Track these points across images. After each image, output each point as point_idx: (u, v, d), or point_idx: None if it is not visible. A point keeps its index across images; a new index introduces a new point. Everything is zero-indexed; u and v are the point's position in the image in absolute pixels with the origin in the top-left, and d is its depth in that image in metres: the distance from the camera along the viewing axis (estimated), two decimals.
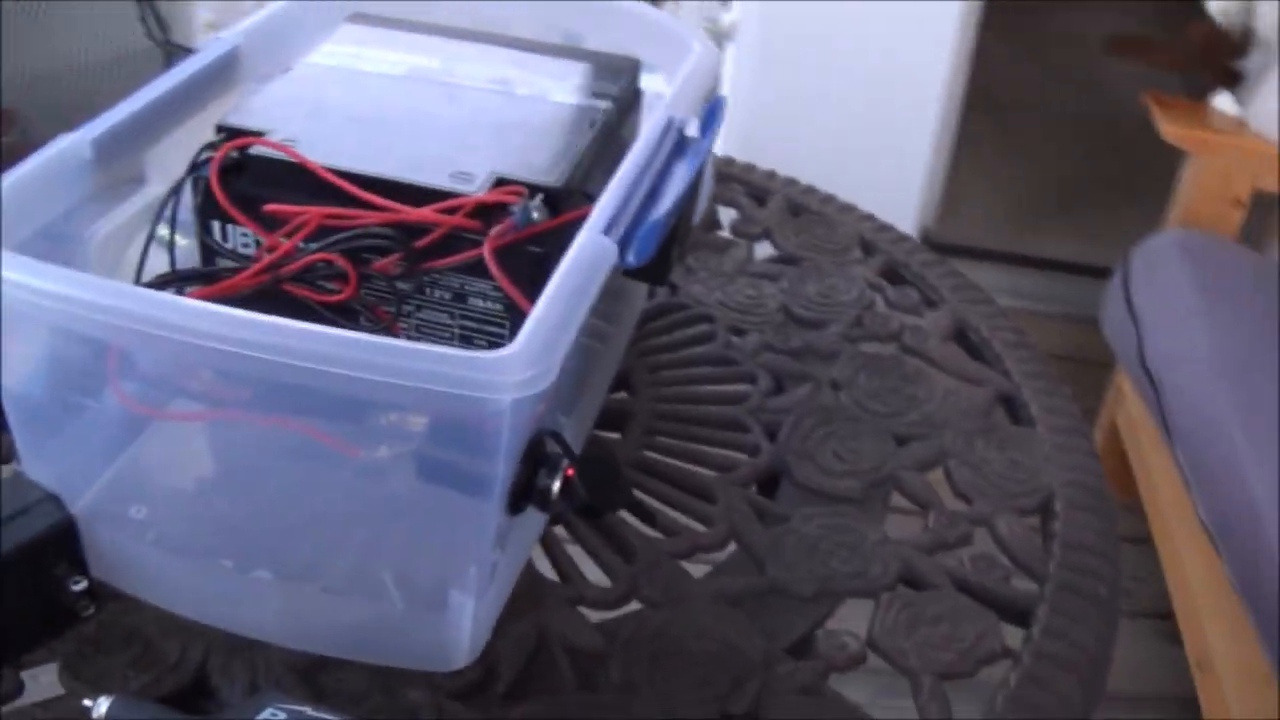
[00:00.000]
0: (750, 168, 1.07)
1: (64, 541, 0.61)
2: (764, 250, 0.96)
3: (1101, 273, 1.63)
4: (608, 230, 0.61)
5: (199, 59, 0.75)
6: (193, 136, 0.73)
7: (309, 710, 0.56)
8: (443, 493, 0.60)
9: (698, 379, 0.84)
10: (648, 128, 0.71)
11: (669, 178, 0.67)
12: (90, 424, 0.64)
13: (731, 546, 0.72)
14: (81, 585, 0.61)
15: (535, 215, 0.66)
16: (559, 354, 0.54)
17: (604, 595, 0.68)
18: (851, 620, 0.71)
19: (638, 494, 0.73)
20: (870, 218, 0.99)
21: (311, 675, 0.62)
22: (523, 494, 0.60)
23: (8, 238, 0.60)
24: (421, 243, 0.66)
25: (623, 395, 0.82)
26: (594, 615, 0.68)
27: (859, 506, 0.75)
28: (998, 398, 0.84)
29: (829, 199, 1.01)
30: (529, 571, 0.68)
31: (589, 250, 0.60)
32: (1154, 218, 1.68)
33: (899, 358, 0.85)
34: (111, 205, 0.70)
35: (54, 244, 0.65)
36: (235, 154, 0.68)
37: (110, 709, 0.56)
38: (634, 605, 0.68)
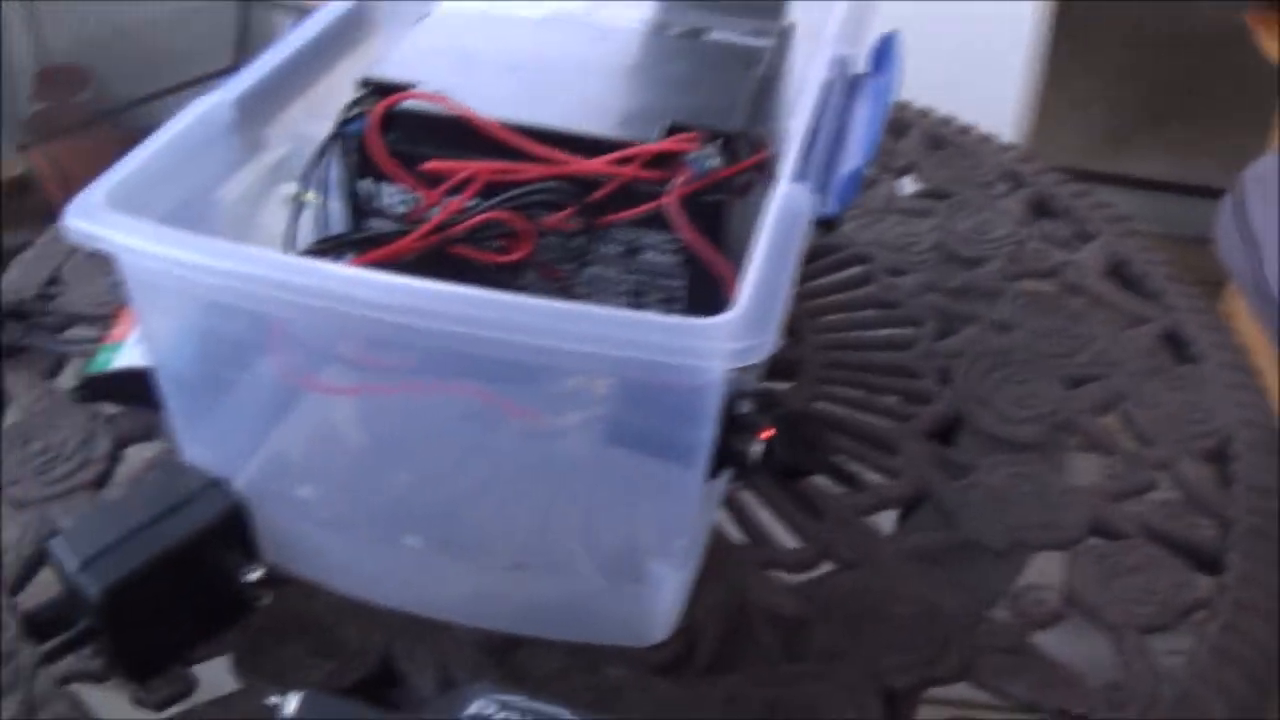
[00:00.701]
0: None
1: (233, 529, 0.57)
2: (905, 184, 0.91)
3: (1199, 191, 1.57)
4: (802, 179, 0.57)
5: (330, 11, 0.71)
6: (323, 94, 0.69)
7: (523, 699, 0.52)
8: (637, 459, 0.56)
9: (861, 323, 0.79)
10: (811, 66, 0.66)
11: (851, 119, 0.62)
12: (245, 399, 0.61)
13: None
14: (257, 574, 0.57)
15: (713, 162, 0.61)
16: (778, 318, 0.50)
17: (797, 557, 0.64)
18: (1037, 572, 0.68)
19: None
20: (1011, 147, 0.93)
21: (504, 656, 0.59)
22: (720, 457, 0.56)
23: (153, 209, 0.56)
24: (595, 196, 0.61)
25: (787, 342, 0.77)
26: (787, 578, 0.64)
27: (1041, 453, 0.71)
28: (1163, 335, 0.79)
29: (966, 129, 0.95)
30: (716, 534, 0.65)
31: (791, 203, 0.55)
32: (1251, 136, 1.61)
33: (1062, 295, 0.80)
34: (236, 167, 0.66)
35: (190, 210, 0.62)
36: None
37: (301, 707, 0.50)
38: (825, 566, 0.65)
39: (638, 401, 0.55)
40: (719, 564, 0.63)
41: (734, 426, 0.56)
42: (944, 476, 0.68)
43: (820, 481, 0.68)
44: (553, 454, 0.58)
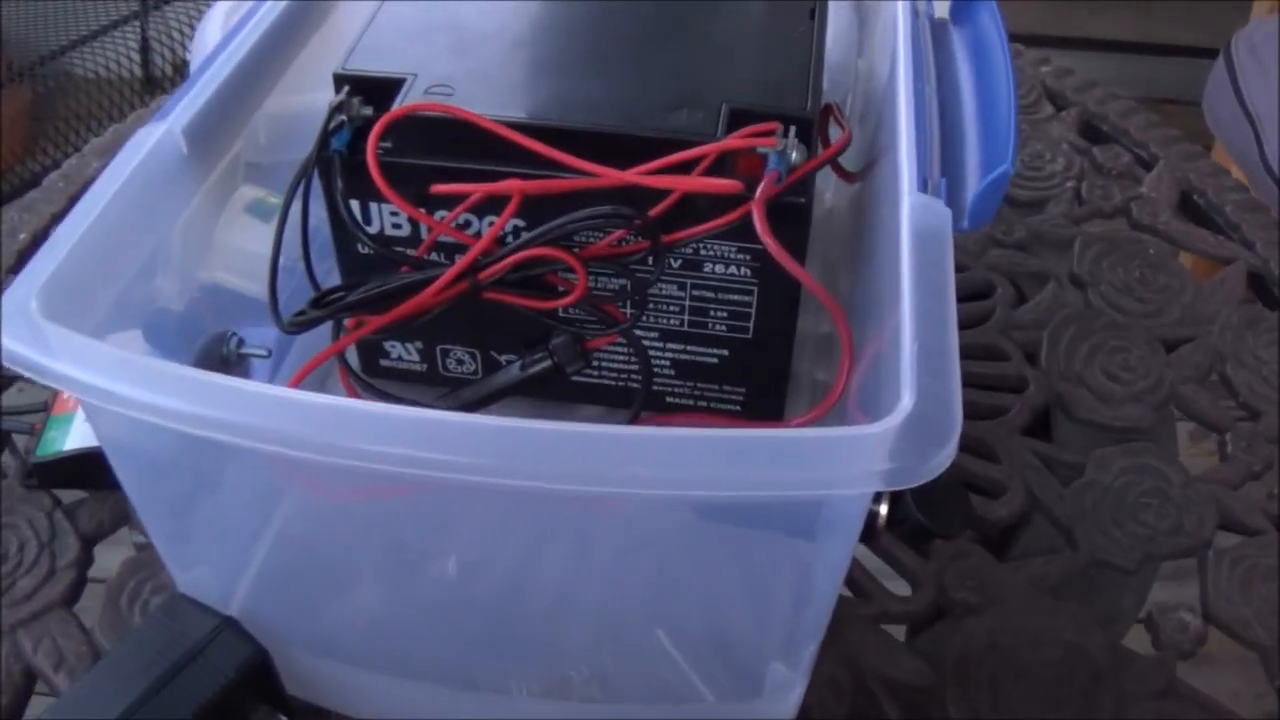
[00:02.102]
0: None
1: (257, 681, 0.44)
2: None
3: (1172, 51, 1.46)
4: (925, 186, 0.44)
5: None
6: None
7: None
8: (745, 534, 0.43)
9: None
10: (891, 21, 0.53)
11: (955, 87, 0.50)
12: (235, 508, 0.47)
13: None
14: None
15: (794, 156, 0.48)
16: (957, 409, 0.37)
17: (910, 608, 0.53)
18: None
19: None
20: (1045, 61, 0.81)
21: None
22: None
23: (98, 297, 0.42)
24: (657, 209, 0.48)
25: None
26: (902, 632, 0.53)
27: (1152, 438, 0.60)
28: (1248, 276, 0.69)
29: None
30: None
31: (927, 225, 0.42)
32: None
33: (1138, 240, 0.69)
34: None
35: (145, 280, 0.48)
36: (370, 111, 0.50)
37: None
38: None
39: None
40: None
41: None
42: (1053, 482, 0.58)
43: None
44: (630, 540, 0.45)
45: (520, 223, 0.49)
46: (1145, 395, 0.61)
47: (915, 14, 0.52)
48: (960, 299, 0.67)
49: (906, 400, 0.36)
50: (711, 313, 0.52)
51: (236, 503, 0.44)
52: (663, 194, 0.47)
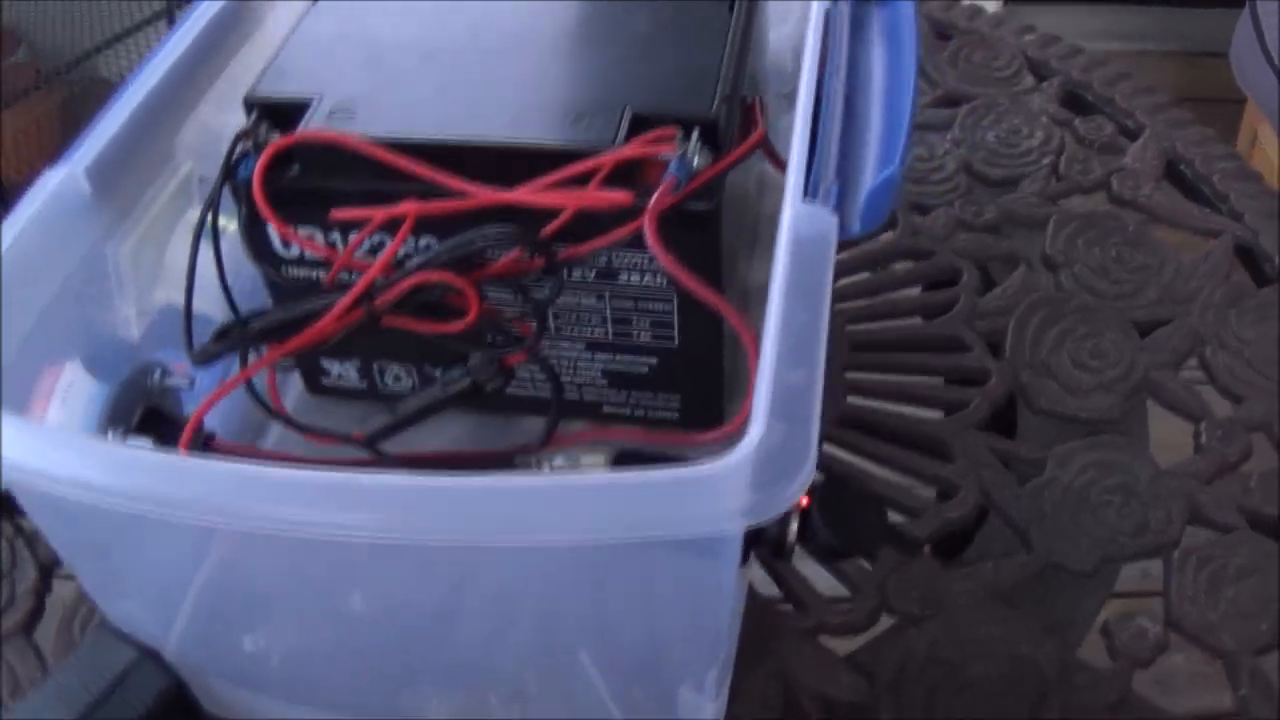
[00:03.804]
0: None
1: (176, 711, 0.43)
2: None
3: (1206, 2, 1.37)
4: (816, 193, 0.40)
5: (200, 16, 0.52)
6: (230, 83, 0.52)
7: None
8: (652, 554, 0.40)
9: (888, 283, 0.62)
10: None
11: (866, 79, 0.45)
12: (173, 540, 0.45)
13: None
14: None
15: (697, 162, 0.44)
16: (814, 430, 0.34)
17: (849, 618, 0.49)
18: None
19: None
20: (1030, 29, 0.75)
21: None
22: (749, 543, 0.41)
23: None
24: (550, 228, 0.44)
25: None
26: (840, 646, 0.50)
27: (1119, 429, 0.55)
28: (1235, 250, 0.63)
29: (976, 11, 0.76)
30: (749, 595, 0.50)
31: (805, 235, 0.38)
32: None
33: (1115, 215, 0.64)
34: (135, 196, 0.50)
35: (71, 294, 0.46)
36: (277, 134, 0.47)
37: None
38: (885, 620, 0.50)
39: None
40: (756, 639, 0.48)
41: None
42: (1010, 480, 0.53)
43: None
44: (547, 567, 0.42)
45: (433, 242, 0.46)
46: (1115, 384, 0.56)
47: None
48: (926, 286, 0.63)
49: (754, 433, 0.32)
50: (634, 322, 0.49)
51: (147, 549, 0.42)
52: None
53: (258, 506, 0.33)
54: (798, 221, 0.38)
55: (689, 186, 0.44)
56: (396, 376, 0.54)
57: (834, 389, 0.57)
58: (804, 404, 0.34)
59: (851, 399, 0.56)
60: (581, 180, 0.44)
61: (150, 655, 0.43)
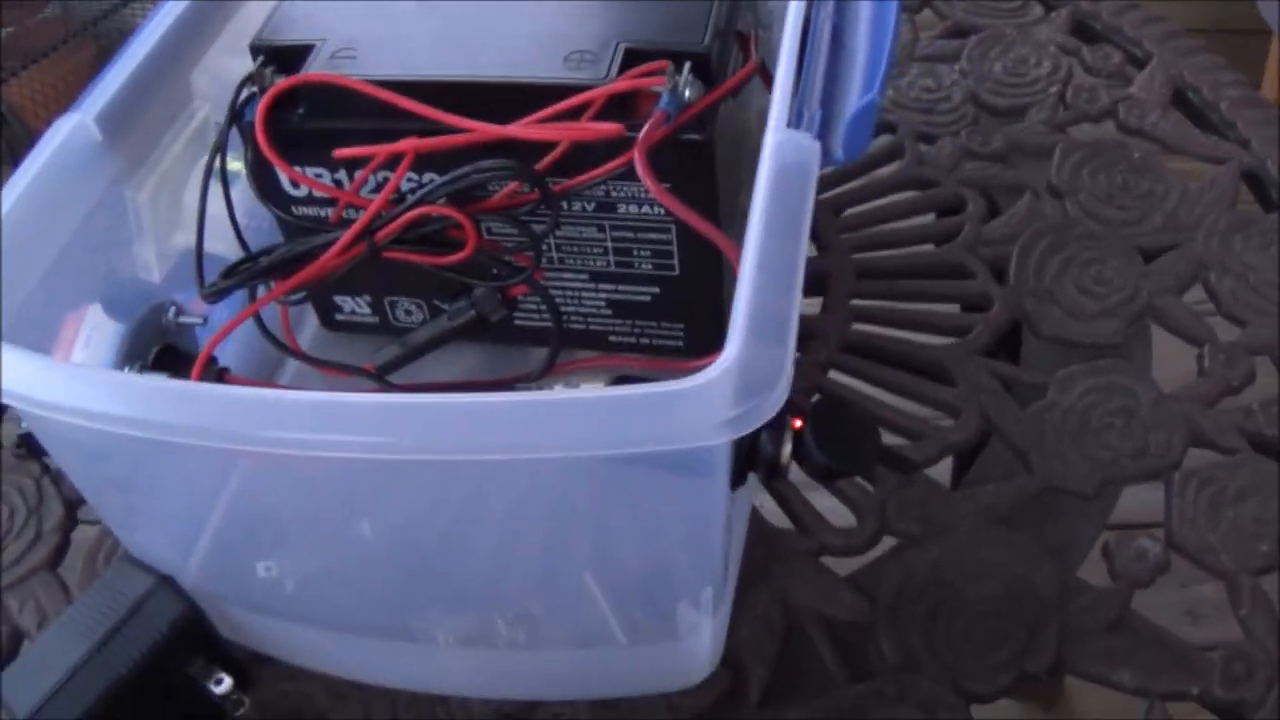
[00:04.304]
0: None
1: (192, 635, 0.44)
2: (926, 21, 0.72)
3: None
4: (799, 121, 0.40)
5: None
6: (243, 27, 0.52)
7: None
8: (648, 477, 0.41)
9: (895, 212, 0.62)
10: None
11: (854, 19, 0.45)
12: (185, 477, 0.46)
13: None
14: (224, 686, 0.44)
15: (689, 94, 0.45)
16: (789, 348, 0.34)
17: (851, 540, 0.50)
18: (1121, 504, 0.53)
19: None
20: None
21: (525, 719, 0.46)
22: (744, 464, 0.42)
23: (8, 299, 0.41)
24: (545, 162, 0.45)
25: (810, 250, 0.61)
26: (842, 567, 0.50)
27: (1122, 354, 0.55)
28: (1242, 176, 0.62)
29: None
30: (754, 520, 0.50)
31: (788, 160, 0.38)
32: None
33: (1122, 143, 0.63)
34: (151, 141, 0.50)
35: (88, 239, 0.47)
36: (282, 78, 0.48)
37: None
38: (886, 541, 0.51)
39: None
40: (759, 556, 0.49)
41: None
42: (1013, 404, 0.53)
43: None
44: (544, 486, 0.43)
45: (434, 178, 0.47)
46: (1119, 309, 0.56)
47: None
48: (926, 211, 0.63)
49: (730, 352, 0.33)
50: (635, 252, 0.49)
51: (164, 480, 0.44)
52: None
53: (255, 428, 0.34)
54: (780, 148, 0.39)
55: (680, 118, 0.44)
56: (408, 311, 0.54)
57: (838, 316, 0.57)
58: (780, 324, 0.34)
59: (857, 325, 0.57)
60: (576, 115, 0.45)
61: (167, 582, 0.45)
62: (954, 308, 0.58)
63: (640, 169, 0.43)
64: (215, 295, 0.47)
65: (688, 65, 0.44)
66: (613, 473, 0.38)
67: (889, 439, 0.53)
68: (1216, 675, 0.46)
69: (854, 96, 0.41)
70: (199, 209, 0.48)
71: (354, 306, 0.55)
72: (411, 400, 0.35)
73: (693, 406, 0.33)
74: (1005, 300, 0.57)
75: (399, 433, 0.34)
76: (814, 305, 0.58)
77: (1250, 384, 0.55)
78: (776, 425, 0.41)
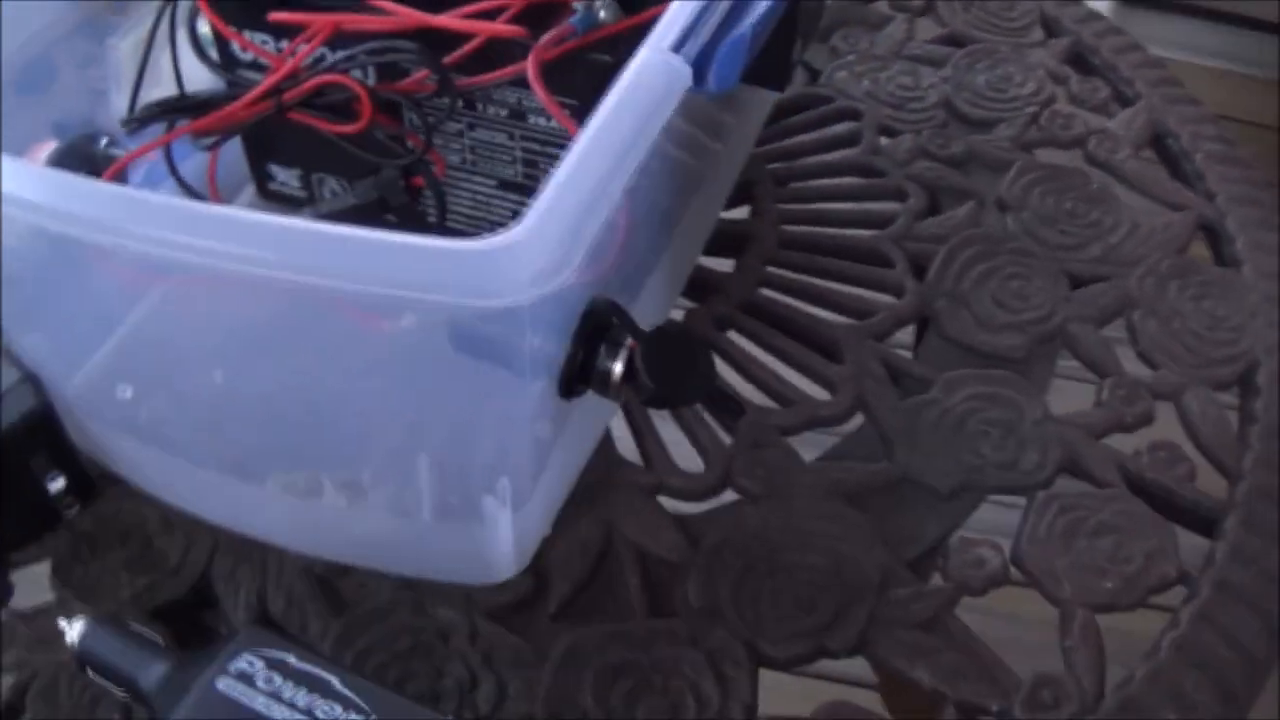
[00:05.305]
0: None
1: (39, 433, 0.45)
2: (927, 28, 0.71)
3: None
4: (681, 45, 0.40)
5: None
6: None
7: (291, 659, 0.40)
8: (475, 370, 0.41)
9: (834, 193, 0.61)
10: None
11: None
12: (84, 291, 0.48)
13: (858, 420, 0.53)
14: (58, 484, 0.45)
15: (603, 15, 0.45)
16: (590, 230, 0.35)
17: (690, 484, 0.50)
18: (991, 521, 0.52)
19: (727, 377, 0.52)
20: None
21: (331, 584, 0.47)
22: (578, 375, 0.42)
23: None
24: (452, 57, 0.45)
25: (743, 213, 0.61)
26: (675, 509, 0.50)
27: (1020, 370, 0.54)
28: (1197, 227, 0.60)
29: None
30: (606, 451, 0.50)
31: (650, 77, 0.38)
32: None
33: (1082, 171, 0.61)
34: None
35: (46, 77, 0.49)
36: None
37: (83, 638, 0.41)
38: (729, 495, 0.50)
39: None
40: (599, 485, 0.49)
41: (600, 339, 0.41)
42: (893, 394, 0.53)
43: (749, 391, 0.53)
44: (384, 359, 0.44)
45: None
46: (1029, 326, 0.55)
47: None
48: (866, 198, 0.62)
49: (519, 228, 0.34)
50: (541, 165, 0.49)
51: (40, 278, 0.45)
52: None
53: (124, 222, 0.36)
54: (647, 64, 0.39)
55: (590, 36, 0.44)
56: (333, 191, 0.55)
57: (748, 277, 0.56)
58: (577, 215, 0.35)
59: (764, 290, 0.56)
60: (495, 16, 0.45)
61: (31, 380, 0.46)
62: (866, 292, 0.58)
63: (531, 74, 0.43)
64: (133, 126, 0.48)
65: None
66: (424, 351, 0.39)
67: (763, 402, 0.53)
68: (1020, 696, 0.44)
69: (739, 33, 0.40)
70: (142, 54, 0.50)
71: (285, 178, 0.56)
72: (251, 216, 0.36)
73: (468, 267, 0.34)
74: (917, 294, 0.56)
75: (199, 240, 0.35)
76: (728, 265, 0.57)
77: (1146, 425, 0.53)
78: (614, 342, 0.41)
